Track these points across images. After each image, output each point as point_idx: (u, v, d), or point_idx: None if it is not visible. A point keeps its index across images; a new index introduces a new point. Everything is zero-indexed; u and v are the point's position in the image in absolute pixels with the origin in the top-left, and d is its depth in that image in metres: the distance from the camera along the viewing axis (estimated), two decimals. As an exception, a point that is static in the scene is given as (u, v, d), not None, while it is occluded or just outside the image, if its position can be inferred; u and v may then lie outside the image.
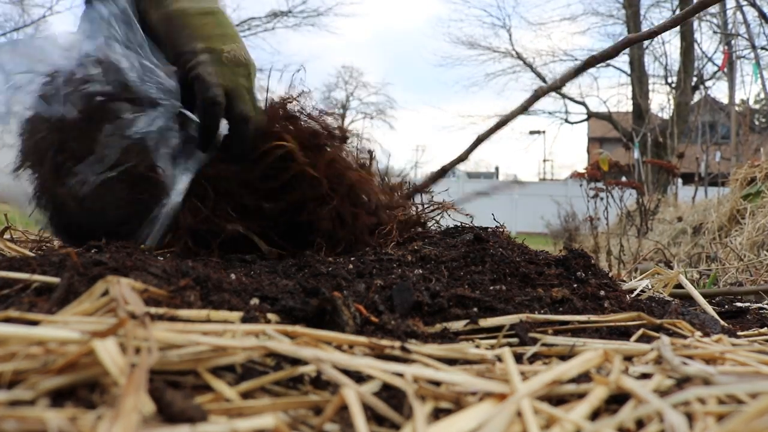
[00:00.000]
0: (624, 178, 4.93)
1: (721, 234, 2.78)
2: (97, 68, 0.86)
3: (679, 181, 6.57)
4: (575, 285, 0.83)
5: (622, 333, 0.70)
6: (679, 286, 1.07)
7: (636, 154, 6.80)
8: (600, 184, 4.09)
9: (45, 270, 0.57)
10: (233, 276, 0.70)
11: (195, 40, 0.92)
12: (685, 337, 0.68)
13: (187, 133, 0.94)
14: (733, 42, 7.00)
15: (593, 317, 0.71)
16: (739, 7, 5.92)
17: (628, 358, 0.58)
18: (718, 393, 0.44)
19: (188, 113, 0.93)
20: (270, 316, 0.61)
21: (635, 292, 1.00)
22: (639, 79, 11.07)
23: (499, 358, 0.54)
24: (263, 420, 0.36)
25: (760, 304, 1.10)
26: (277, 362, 0.52)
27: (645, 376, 0.51)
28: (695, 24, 10.31)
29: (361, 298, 0.70)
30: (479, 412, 0.40)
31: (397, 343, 0.51)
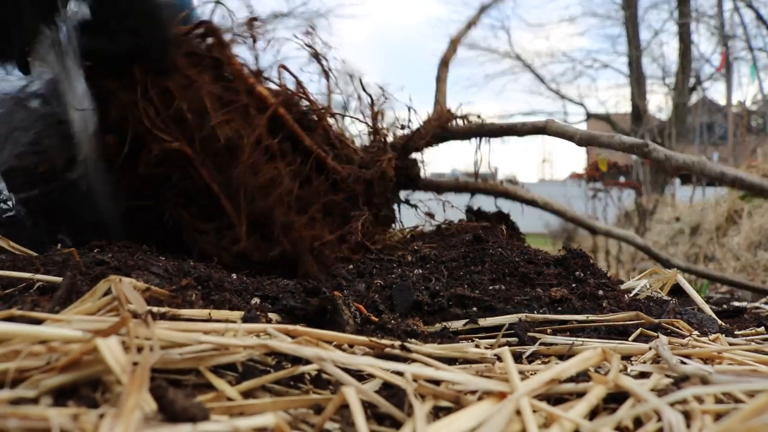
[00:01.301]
0: (622, 179, 4.95)
1: (718, 234, 2.79)
2: None
3: (677, 181, 6.59)
4: (574, 285, 0.83)
5: (621, 332, 0.71)
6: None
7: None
8: (599, 185, 4.11)
9: (48, 269, 0.58)
10: (234, 275, 0.70)
11: None
12: (683, 336, 0.68)
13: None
14: (730, 43, 7.02)
15: (592, 316, 0.72)
16: (737, 9, 5.95)
17: (627, 357, 0.59)
18: (716, 392, 0.45)
19: None
20: (271, 315, 0.61)
21: (633, 292, 1.01)
22: (637, 80, 11.10)
23: (499, 357, 0.54)
24: (264, 419, 0.37)
25: (756, 304, 1.11)
26: (278, 361, 0.52)
27: (643, 375, 0.52)
28: (693, 25, 10.34)
29: (362, 298, 0.70)
30: (479, 410, 0.40)
31: (397, 342, 0.51)
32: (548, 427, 0.40)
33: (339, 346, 0.52)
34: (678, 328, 0.72)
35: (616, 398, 0.46)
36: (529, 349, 0.63)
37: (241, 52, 0.96)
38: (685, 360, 0.52)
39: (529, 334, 0.67)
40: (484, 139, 1.25)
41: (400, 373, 0.45)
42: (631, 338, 0.68)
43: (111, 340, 0.39)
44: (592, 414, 0.44)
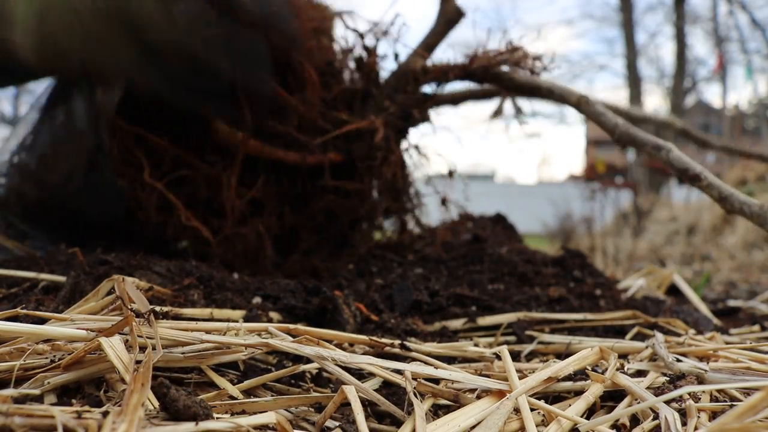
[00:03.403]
0: (620, 179, 4.97)
1: (714, 234, 2.81)
2: None
3: (674, 182, 6.62)
4: (572, 284, 0.84)
5: (618, 331, 0.71)
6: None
7: (631, 155, 6.85)
8: (597, 185, 4.13)
9: (52, 269, 0.58)
10: (236, 275, 0.71)
11: None
12: (679, 334, 0.69)
13: None
14: (725, 46, 7.05)
15: (589, 315, 0.72)
16: (731, 12, 5.98)
17: (624, 356, 0.59)
18: (711, 389, 0.45)
19: None
20: (272, 314, 0.61)
21: (630, 291, 1.01)
22: (634, 82, 11.16)
23: (497, 356, 0.55)
24: (266, 416, 0.37)
25: (751, 303, 1.12)
26: (279, 360, 0.53)
27: (640, 373, 0.52)
28: (689, 28, 10.39)
29: (362, 297, 0.71)
30: (478, 408, 0.41)
31: (397, 341, 0.51)
32: (546, 425, 0.41)
33: (339, 345, 0.53)
34: (674, 326, 0.73)
35: (613, 396, 0.47)
36: (528, 348, 0.63)
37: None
38: (681, 358, 0.53)
39: (528, 332, 0.68)
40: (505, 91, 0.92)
41: (399, 372, 0.45)
42: (628, 337, 0.69)
43: (114, 339, 0.40)
44: (590, 412, 0.45)
